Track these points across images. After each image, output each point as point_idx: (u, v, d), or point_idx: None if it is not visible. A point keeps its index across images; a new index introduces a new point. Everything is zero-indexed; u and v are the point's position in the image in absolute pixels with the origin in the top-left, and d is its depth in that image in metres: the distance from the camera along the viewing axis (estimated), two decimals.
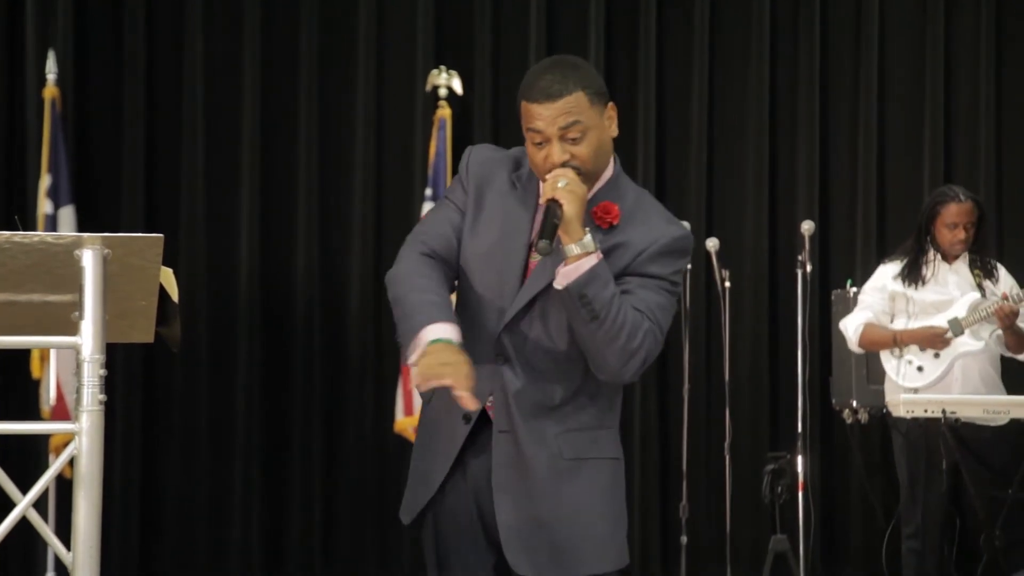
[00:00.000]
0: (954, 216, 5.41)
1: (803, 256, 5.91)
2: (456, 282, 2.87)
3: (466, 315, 2.81)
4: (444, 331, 2.68)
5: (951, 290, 5.43)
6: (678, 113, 6.89)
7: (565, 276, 2.66)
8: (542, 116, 2.71)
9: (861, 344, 5.55)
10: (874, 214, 6.87)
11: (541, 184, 2.80)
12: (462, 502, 2.83)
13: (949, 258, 5.46)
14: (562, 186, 2.66)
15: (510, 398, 2.77)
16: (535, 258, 2.77)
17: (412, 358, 2.68)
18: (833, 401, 6.17)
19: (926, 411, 5.25)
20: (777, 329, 6.79)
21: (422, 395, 2.91)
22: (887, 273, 5.53)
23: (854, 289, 6.09)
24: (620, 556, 2.84)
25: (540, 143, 2.73)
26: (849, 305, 5.99)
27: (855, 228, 6.89)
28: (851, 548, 6.78)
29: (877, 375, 5.87)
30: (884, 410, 5.68)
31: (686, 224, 3.04)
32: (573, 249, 2.65)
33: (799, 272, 5.94)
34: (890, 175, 6.92)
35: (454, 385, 2.62)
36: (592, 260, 2.66)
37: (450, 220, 2.85)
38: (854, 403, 5.97)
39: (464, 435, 2.80)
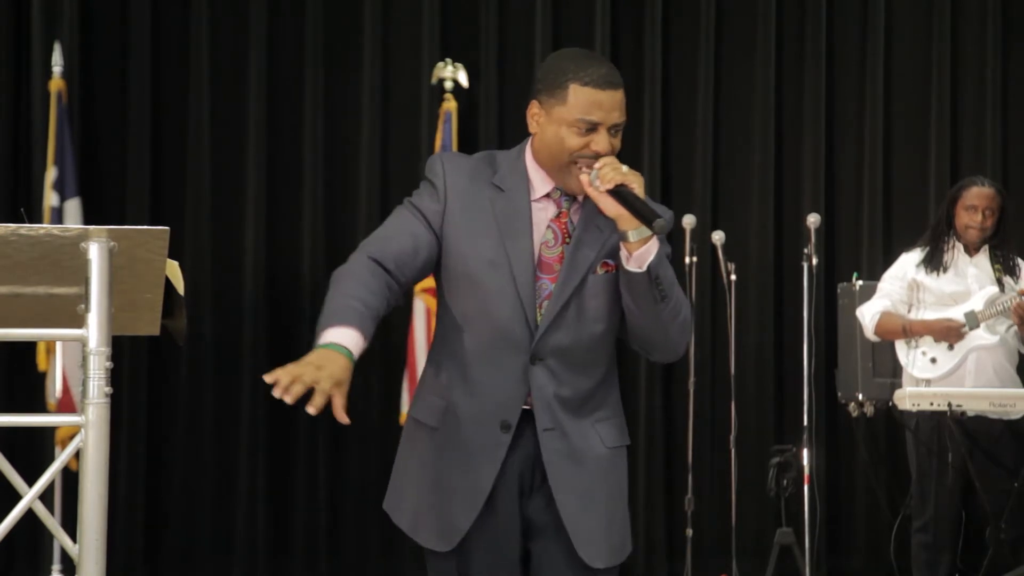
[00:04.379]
0: (974, 198, 5.40)
1: (809, 249, 5.90)
2: (451, 295, 2.83)
3: (485, 324, 2.79)
4: (341, 336, 2.66)
5: (970, 282, 5.41)
6: (684, 106, 6.88)
7: (639, 259, 2.68)
8: (603, 104, 2.71)
9: (877, 332, 5.54)
10: (880, 207, 6.86)
11: (534, 182, 2.80)
12: (510, 509, 2.80)
13: (970, 250, 5.44)
14: (626, 172, 2.68)
15: (550, 397, 2.78)
16: (548, 254, 2.78)
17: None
18: (839, 394, 6.16)
19: (932, 404, 5.25)
20: (783, 322, 6.79)
21: (425, 421, 2.86)
22: (908, 261, 5.52)
23: (859, 283, 6.09)
24: (629, 545, 2.92)
25: (587, 131, 2.73)
26: (855, 298, 5.99)
27: (861, 221, 6.88)
28: (856, 541, 6.77)
29: (883, 368, 5.87)
30: (890, 403, 5.68)
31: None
32: (644, 231, 2.66)
33: (805, 265, 5.93)
34: (896, 168, 6.91)
35: (316, 389, 2.60)
36: (656, 241, 2.70)
37: (412, 231, 2.82)
38: (860, 396, 5.97)
39: (507, 443, 2.78)
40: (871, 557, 6.67)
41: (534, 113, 2.80)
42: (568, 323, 2.77)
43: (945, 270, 5.43)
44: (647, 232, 2.66)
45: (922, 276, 5.45)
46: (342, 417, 2.59)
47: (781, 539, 5.98)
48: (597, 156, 2.72)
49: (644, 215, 2.66)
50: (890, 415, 6.08)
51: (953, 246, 5.44)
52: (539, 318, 2.77)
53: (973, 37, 6.92)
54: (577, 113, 2.72)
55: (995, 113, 6.86)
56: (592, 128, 2.72)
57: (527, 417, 2.79)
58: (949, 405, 5.21)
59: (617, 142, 2.76)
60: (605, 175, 2.68)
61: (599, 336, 2.80)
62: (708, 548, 6.45)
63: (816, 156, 6.89)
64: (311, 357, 2.65)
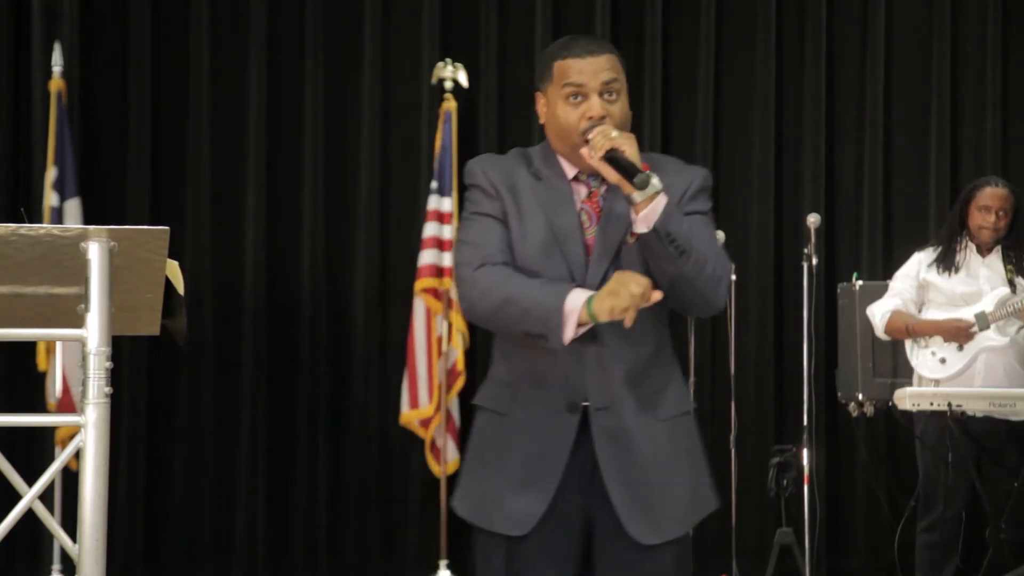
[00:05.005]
0: (987, 199, 5.39)
1: (809, 249, 5.90)
2: None
3: None
4: (583, 293, 2.70)
5: (981, 283, 5.40)
6: (684, 105, 6.87)
7: (646, 219, 2.70)
8: (584, 70, 2.78)
9: (887, 331, 5.53)
10: (880, 207, 6.85)
11: (564, 166, 2.85)
12: (575, 492, 2.82)
13: (983, 250, 5.43)
14: (616, 135, 2.71)
15: (605, 375, 2.80)
16: (589, 234, 2.81)
17: (568, 333, 2.69)
18: (839, 394, 6.16)
19: (932, 404, 5.24)
20: (783, 322, 6.78)
21: (494, 408, 2.89)
22: (920, 260, 5.51)
23: (860, 283, 6.09)
24: (714, 499, 2.97)
25: (578, 98, 2.79)
26: (855, 298, 5.99)
27: (861, 221, 6.88)
28: (857, 541, 6.77)
29: (883, 368, 5.87)
30: (890, 403, 5.68)
31: None
32: (648, 190, 2.68)
33: (805, 265, 5.93)
34: (896, 168, 6.90)
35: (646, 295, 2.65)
36: (663, 199, 2.71)
37: (495, 233, 2.84)
38: (860, 396, 5.97)
39: (576, 423, 2.80)
40: (871, 557, 6.67)
41: (539, 104, 2.90)
42: None
43: (957, 270, 5.41)
44: (650, 191, 2.68)
45: (933, 276, 5.44)
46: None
47: (781, 539, 5.97)
48: (599, 124, 2.76)
49: (629, 173, 2.68)
50: (890, 415, 6.07)
51: (966, 246, 5.43)
52: None
53: (973, 37, 6.91)
54: (562, 81, 2.80)
55: (995, 113, 6.85)
56: (581, 95, 2.78)
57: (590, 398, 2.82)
58: (949, 405, 5.21)
59: (616, 107, 2.80)
60: (596, 143, 2.73)
61: (645, 306, 2.79)
62: (708, 548, 6.44)
63: (816, 156, 6.89)
64: (604, 293, 2.68)
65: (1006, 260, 5.42)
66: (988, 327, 5.32)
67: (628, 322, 2.66)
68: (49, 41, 6.40)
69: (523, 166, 2.89)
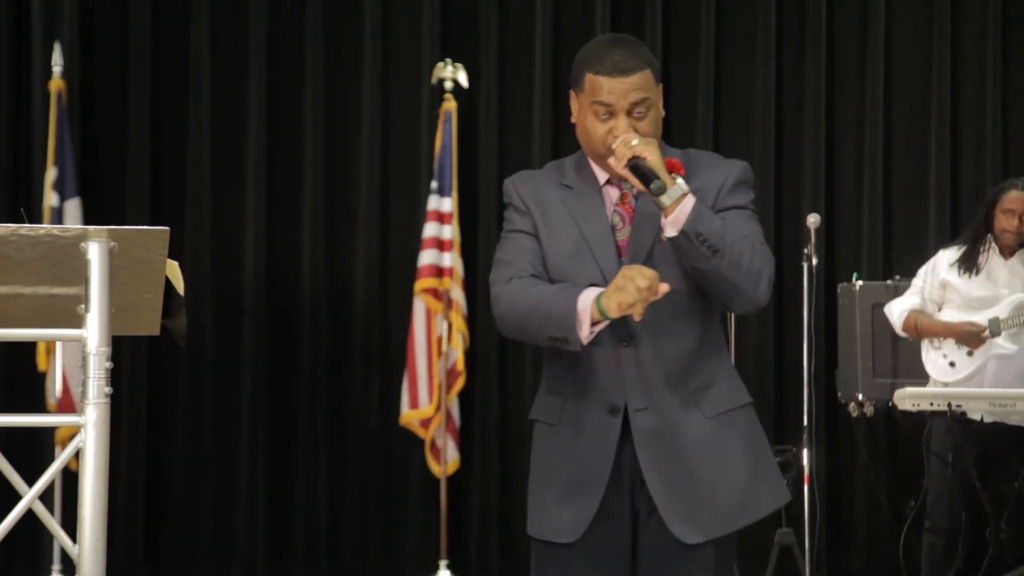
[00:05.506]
0: (1012, 202, 5.37)
1: (809, 249, 5.90)
2: None
3: None
4: (595, 290, 2.72)
5: (1000, 287, 5.37)
6: (684, 105, 6.87)
7: (675, 222, 2.70)
8: (614, 90, 2.77)
9: (904, 329, 5.51)
10: (880, 207, 6.85)
11: (596, 172, 2.86)
12: (624, 495, 2.83)
13: (1006, 252, 5.41)
14: (636, 143, 2.72)
15: (643, 375, 2.80)
16: (619, 237, 2.83)
17: (583, 332, 2.71)
18: (839, 394, 6.16)
19: (932, 404, 5.24)
20: (783, 322, 6.78)
21: (545, 419, 2.91)
22: (943, 260, 5.49)
23: (860, 283, 6.08)
24: (781, 493, 2.93)
25: (605, 116, 2.79)
26: (855, 298, 5.99)
27: (861, 221, 6.87)
28: (857, 541, 6.77)
29: (883, 368, 5.87)
30: (890, 403, 5.67)
31: None
32: (674, 192, 2.69)
33: (805, 265, 5.93)
34: (896, 168, 6.90)
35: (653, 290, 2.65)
36: (691, 200, 2.71)
37: (526, 248, 2.87)
38: (860, 396, 5.96)
39: (619, 426, 2.81)
40: (871, 557, 6.67)
41: (572, 102, 2.90)
42: None
43: (978, 272, 5.38)
44: (676, 193, 2.69)
45: (953, 276, 5.42)
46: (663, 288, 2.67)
47: (781, 539, 5.97)
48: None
49: (647, 179, 2.70)
50: (890, 415, 6.07)
51: (989, 248, 5.41)
52: None
53: (973, 37, 6.91)
54: (591, 98, 2.80)
55: (995, 113, 6.85)
56: (610, 113, 2.79)
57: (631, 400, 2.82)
58: (949, 406, 5.20)
59: (644, 124, 2.80)
60: (619, 153, 2.75)
61: (684, 302, 2.81)
62: None
63: (816, 156, 6.89)
64: (611, 289, 2.68)
65: None
66: (1000, 333, 5.29)
67: (636, 316, 2.67)
68: (49, 41, 6.40)
69: (555, 179, 2.91)
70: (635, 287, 2.64)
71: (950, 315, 5.41)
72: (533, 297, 2.79)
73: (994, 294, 5.35)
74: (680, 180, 2.72)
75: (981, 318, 5.31)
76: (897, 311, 5.52)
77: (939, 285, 5.45)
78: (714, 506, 2.82)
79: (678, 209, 2.69)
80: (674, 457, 2.81)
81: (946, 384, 5.34)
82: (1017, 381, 5.30)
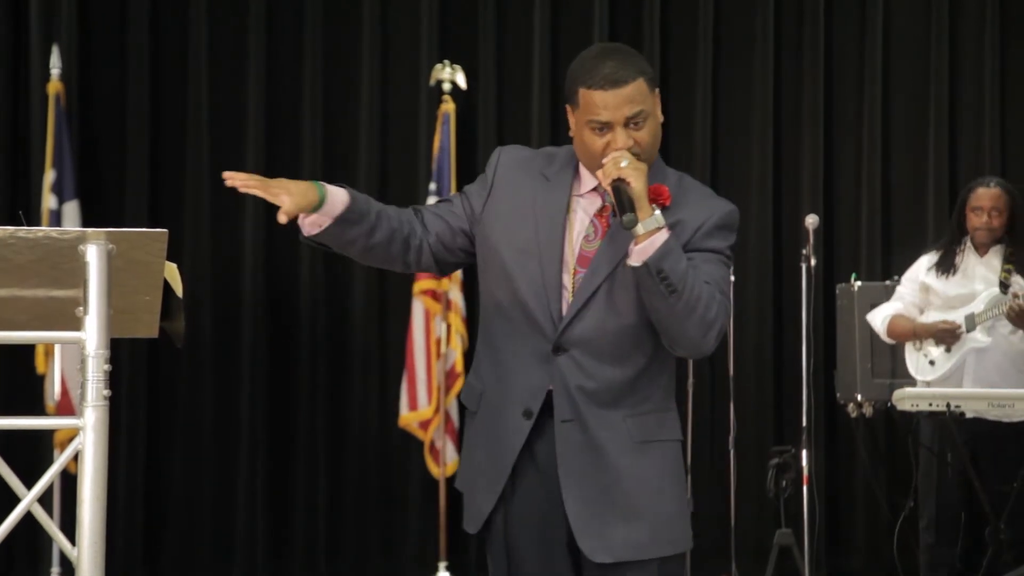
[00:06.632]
0: (980, 200, 5.43)
1: (807, 250, 5.90)
2: (487, 282, 2.88)
3: (514, 311, 2.82)
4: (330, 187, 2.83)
5: (976, 284, 5.43)
6: (682, 106, 6.87)
7: (641, 253, 2.68)
8: (609, 104, 2.74)
9: (889, 335, 5.58)
10: (879, 208, 6.85)
11: (583, 176, 2.85)
12: (534, 496, 2.82)
13: (980, 250, 5.45)
14: (625, 165, 2.69)
15: (572, 388, 2.78)
16: (588, 248, 2.81)
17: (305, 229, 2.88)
18: (838, 395, 6.16)
19: (931, 405, 5.25)
20: (781, 323, 6.78)
21: (468, 405, 2.94)
22: (923, 264, 5.56)
23: (858, 283, 6.09)
24: (686, 538, 2.92)
25: (602, 130, 2.76)
26: (854, 299, 6.00)
27: (860, 222, 6.88)
28: (856, 541, 6.77)
29: (882, 369, 5.87)
30: (889, 404, 5.68)
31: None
32: (649, 224, 2.67)
33: (803, 266, 5.92)
34: (895, 169, 6.91)
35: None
36: (663, 235, 2.69)
37: (454, 212, 2.90)
38: (859, 397, 5.97)
39: (527, 429, 2.79)
40: (871, 558, 6.67)
41: (569, 116, 2.87)
42: (595, 315, 2.78)
43: (954, 272, 5.45)
44: (651, 226, 2.67)
45: (931, 279, 5.49)
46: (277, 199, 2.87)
47: (780, 540, 5.97)
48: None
49: (622, 207, 2.67)
50: (889, 416, 6.07)
51: (965, 248, 5.46)
52: (564, 309, 2.78)
53: (972, 37, 6.92)
54: (587, 115, 2.77)
55: (994, 113, 6.85)
56: (607, 127, 2.75)
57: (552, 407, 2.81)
58: (948, 406, 5.21)
59: (642, 133, 2.77)
60: (606, 170, 2.72)
61: (630, 328, 2.79)
62: (707, 549, 6.44)
63: (815, 156, 6.89)
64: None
65: (1005, 260, 5.44)
66: (975, 328, 5.35)
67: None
68: (47, 43, 6.40)
69: (539, 165, 2.90)
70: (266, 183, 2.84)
71: (931, 317, 5.48)
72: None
73: (971, 291, 5.42)
74: (658, 213, 2.69)
75: (957, 316, 5.38)
76: (880, 318, 5.58)
77: (920, 289, 5.51)
78: (632, 531, 2.79)
79: (649, 241, 2.67)
80: (594, 473, 2.78)
81: (928, 383, 5.39)
82: (996, 372, 5.38)
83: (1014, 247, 5.46)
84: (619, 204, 2.68)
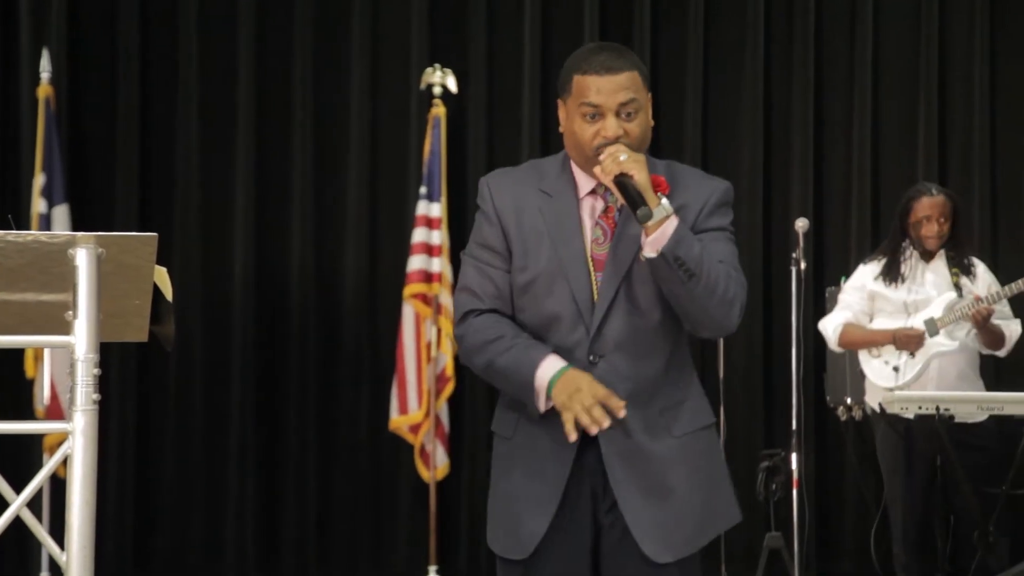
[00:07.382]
0: (926, 209, 5.46)
1: (797, 253, 5.91)
2: (519, 305, 2.85)
3: (549, 331, 2.81)
4: (551, 365, 2.73)
5: (928, 289, 5.47)
6: (672, 110, 6.88)
7: (654, 243, 2.68)
8: (602, 89, 2.74)
9: (841, 344, 5.60)
10: (869, 211, 6.87)
11: (579, 180, 2.83)
12: (584, 514, 2.81)
13: (927, 256, 5.49)
14: (624, 159, 2.69)
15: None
16: (599, 251, 2.80)
17: (540, 406, 2.74)
18: (827, 398, 6.17)
19: (921, 408, 5.26)
20: (771, 326, 6.79)
21: (501, 433, 2.91)
22: (867, 273, 5.59)
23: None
24: (736, 512, 2.98)
25: (593, 117, 2.76)
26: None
27: (849, 225, 6.89)
28: (846, 544, 6.78)
29: None
30: (868, 409, 5.69)
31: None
32: (659, 213, 2.68)
33: (793, 269, 5.94)
34: (884, 172, 6.92)
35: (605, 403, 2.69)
36: (673, 222, 2.69)
37: (489, 276, 2.85)
38: (848, 400, 5.98)
39: (576, 444, 2.76)
40: (860, 560, 6.67)
41: (560, 112, 2.87)
42: (620, 316, 2.78)
43: (903, 280, 5.48)
44: (660, 215, 2.67)
45: (880, 287, 5.51)
46: (618, 407, 2.70)
47: (770, 543, 5.98)
48: (613, 143, 2.74)
49: (634, 202, 2.67)
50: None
51: (910, 256, 5.50)
52: (595, 317, 2.78)
53: (961, 41, 6.93)
54: (579, 99, 2.77)
55: (983, 117, 6.87)
56: (598, 113, 2.75)
57: None
58: (937, 409, 5.22)
59: (633, 125, 2.77)
60: (606, 167, 2.72)
61: (657, 323, 2.79)
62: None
63: (804, 160, 6.90)
64: (562, 388, 2.71)
65: (950, 263, 5.48)
66: (938, 333, 5.38)
67: (603, 423, 2.70)
68: (37, 47, 6.40)
69: (534, 182, 2.87)
70: (581, 406, 2.67)
71: (884, 323, 5.49)
72: (491, 353, 2.79)
73: (924, 297, 5.44)
74: (665, 201, 2.70)
75: (916, 321, 5.40)
76: (831, 327, 5.59)
77: (867, 297, 5.53)
78: (685, 526, 2.82)
79: (660, 230, 2.68)
80: (645, 477, 2.79)
81: (891, 390, 5.40)
82: (960, 377, 5.42)
83: (955, 251, 5.49)
84: (629, 199, 2.69)
